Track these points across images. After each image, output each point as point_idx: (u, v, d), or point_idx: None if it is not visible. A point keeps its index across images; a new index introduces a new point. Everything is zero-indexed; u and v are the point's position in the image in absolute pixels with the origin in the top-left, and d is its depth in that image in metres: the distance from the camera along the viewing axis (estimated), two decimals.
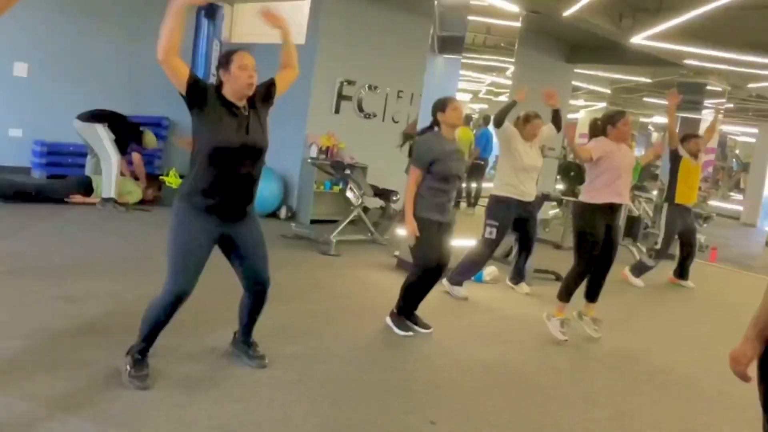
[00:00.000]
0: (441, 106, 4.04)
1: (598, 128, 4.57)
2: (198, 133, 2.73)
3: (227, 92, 2.76)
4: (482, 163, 10.22)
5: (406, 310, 4.15)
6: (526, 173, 5.06)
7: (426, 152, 4.04)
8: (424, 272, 4.02)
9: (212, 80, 3.11)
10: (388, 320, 4.16)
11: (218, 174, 2.73)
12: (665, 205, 6.61)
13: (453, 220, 4.21)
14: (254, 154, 2.82)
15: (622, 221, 4.88)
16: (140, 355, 2.75)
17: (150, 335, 2.76)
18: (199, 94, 2.70)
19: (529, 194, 5.10)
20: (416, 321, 4.18)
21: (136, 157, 6.86)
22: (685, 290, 6.89)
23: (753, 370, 1.66)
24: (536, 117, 5.09)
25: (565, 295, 4.36)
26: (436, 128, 4.14)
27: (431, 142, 4.09)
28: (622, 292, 6.05)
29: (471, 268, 5.21)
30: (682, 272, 6.80)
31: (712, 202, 14.24)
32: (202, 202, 2.71)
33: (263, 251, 2.96)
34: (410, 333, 4.05)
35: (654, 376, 3.88)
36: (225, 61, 2.74)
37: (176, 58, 2.60)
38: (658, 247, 6.63)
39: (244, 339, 3.21)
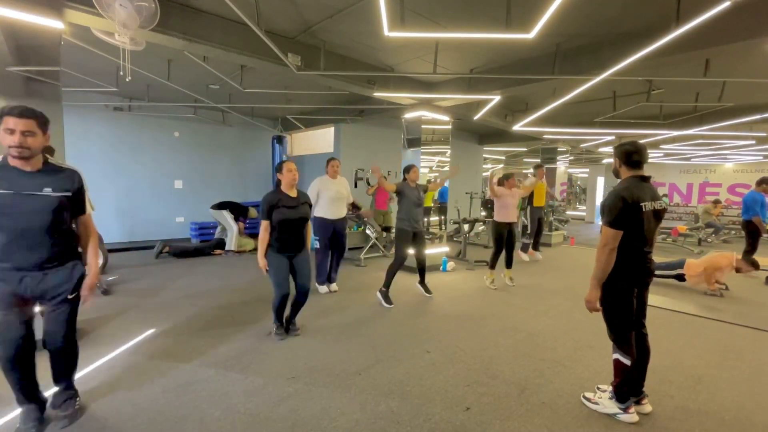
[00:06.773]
0: (407, 169, 4.18)
1: (500, 181, 4.97)
2: (274, 216, 2.84)
3: (284, 186, 2.84)
4: (442, 205, 10.40)
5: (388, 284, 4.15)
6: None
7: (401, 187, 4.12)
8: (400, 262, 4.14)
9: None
10: (378, 295, 4.16)
11: (283, 234, 2.87)
12: (528, 208, 7.08)
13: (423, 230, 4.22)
14: (301, 222, 2.91)
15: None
16: (278, 322, 3.11)
17: (277, 316, 3.09)
18: (272, 209, 2.84)
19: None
20: (425, 288, 4.38)
21: (240, 224, 7.33)
22: (554, 257, 7.05)
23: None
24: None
25: (491, 266, 4.82)
26: (405, 179, 4.19)
27: (403, 185, 4.11)
28: (518, 264, 6.43)
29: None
30: (536, 245, 7.09)
31: (568, 212, 15.51)
32: (278, 247, 2.91)
33: (308, 272, 3.05)
34: (392, 305, 4.02)
35: (555, 305, 4.29)
36: (279, 168, 2.89)
37: (266, 224, 2.83)
38: (528, 232, 7.11)
39: (290, 320, 3.26)
